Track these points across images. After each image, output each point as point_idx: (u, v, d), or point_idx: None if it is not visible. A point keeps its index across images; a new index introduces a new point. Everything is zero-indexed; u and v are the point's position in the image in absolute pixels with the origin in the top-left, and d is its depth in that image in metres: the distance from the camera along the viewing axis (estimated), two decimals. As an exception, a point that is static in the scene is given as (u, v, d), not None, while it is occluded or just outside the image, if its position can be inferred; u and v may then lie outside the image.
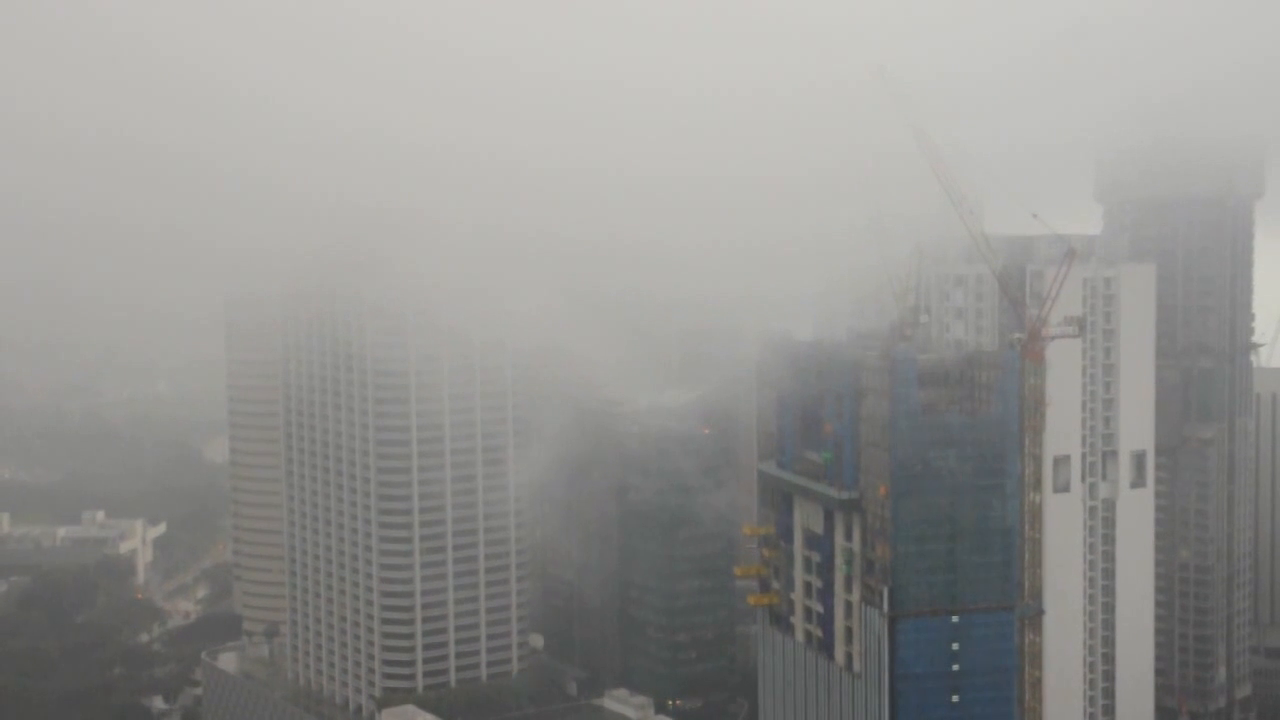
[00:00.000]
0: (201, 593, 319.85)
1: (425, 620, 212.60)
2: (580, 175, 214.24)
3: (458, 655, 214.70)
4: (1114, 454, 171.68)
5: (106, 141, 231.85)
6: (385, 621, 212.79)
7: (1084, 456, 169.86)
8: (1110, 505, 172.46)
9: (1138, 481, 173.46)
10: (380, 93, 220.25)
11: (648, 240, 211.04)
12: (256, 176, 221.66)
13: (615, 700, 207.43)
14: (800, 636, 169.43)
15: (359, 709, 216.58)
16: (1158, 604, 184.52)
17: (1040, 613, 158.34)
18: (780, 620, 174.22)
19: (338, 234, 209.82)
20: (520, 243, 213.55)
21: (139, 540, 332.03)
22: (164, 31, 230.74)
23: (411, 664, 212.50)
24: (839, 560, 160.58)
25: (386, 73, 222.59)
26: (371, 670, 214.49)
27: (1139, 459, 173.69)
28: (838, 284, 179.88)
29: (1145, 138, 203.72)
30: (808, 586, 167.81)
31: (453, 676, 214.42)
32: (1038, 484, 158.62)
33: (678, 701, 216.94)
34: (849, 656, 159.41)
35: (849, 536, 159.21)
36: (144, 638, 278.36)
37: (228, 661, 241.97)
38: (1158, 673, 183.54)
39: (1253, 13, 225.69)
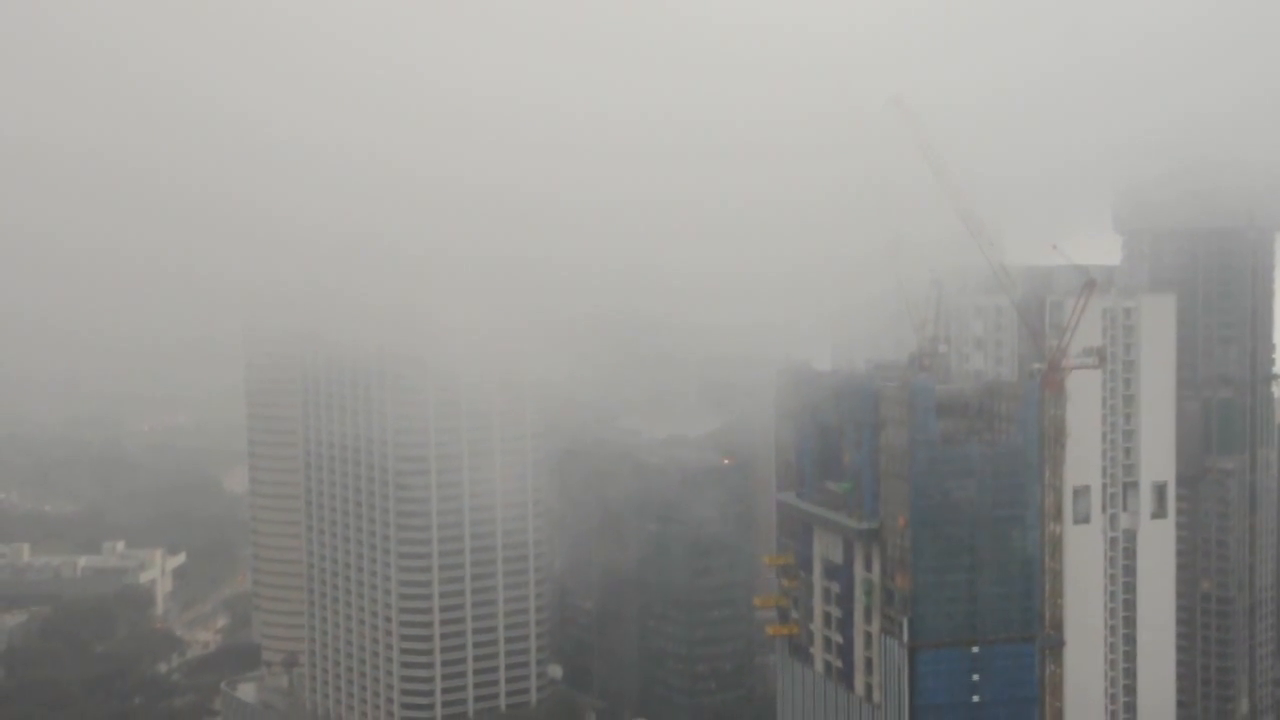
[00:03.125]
0: (221, 622, 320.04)
1: (444, 650, 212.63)
2: (601, 203, 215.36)
3: (476, 685, 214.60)
4: (1135, 485, 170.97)
5: (124, 177, 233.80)
6: (404, 651, 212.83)
7: (1104, 487, 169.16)
8: (1131, 536, 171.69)
9: (1159, 512, 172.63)
10: (390, 129, 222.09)
11: (664, 267, 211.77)
12: (265, 208, 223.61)
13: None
14: (820, 667, 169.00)
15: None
16: (1179, 635, 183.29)
17: (1061, 644, 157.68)
18: (800, 651, 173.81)
19: (347, 269, 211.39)
20: (532, 272, 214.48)
21: (158, 570, 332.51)
22: (180, 69, 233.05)
23: (430, 694, 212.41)
24: (859, 591, 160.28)
25: (394, 108, 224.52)
26: (390, 700, 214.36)
27: (1160, 490, 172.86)
28: (856, 310, 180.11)
29: (1164, 167, 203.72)
30: (827, 617, 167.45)
31: (471, 707, 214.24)
32: (1058, 515, 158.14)
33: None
34: (869, 687, 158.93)
35: (868, 567, 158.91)
36: (163, 668, 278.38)
37: (247, 692, 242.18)
38: (1179, 704, 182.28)
39: (1271, 41, 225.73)
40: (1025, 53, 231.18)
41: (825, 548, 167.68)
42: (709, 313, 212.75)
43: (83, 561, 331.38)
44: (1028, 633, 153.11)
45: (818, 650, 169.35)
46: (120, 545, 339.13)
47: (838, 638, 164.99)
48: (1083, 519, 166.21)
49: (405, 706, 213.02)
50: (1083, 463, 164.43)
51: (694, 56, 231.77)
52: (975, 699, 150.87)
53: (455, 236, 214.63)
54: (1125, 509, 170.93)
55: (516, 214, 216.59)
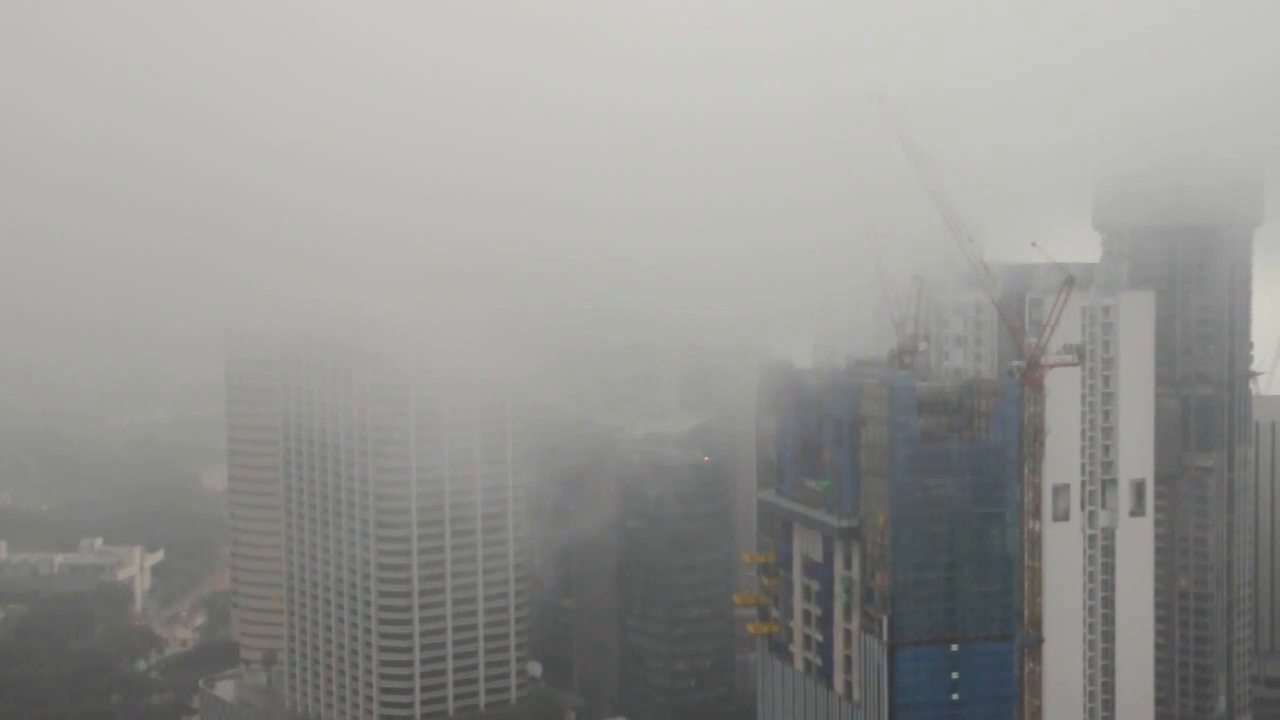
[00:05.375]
0: (199, 620, 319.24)
1: (423, 648, 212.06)
2: (579, 196, 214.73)
3: (456, 683, 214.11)
4: (1113, 482, 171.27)
5: (107, 166, 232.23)
6: (383, 649, 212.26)
7: (1083, 485, 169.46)
8: (1110, 534, 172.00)
9: (1137, 510, 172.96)
10: (376, 122, 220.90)
11: (641, 260, 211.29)
12: (246, 203, 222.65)
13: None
14: (799, 665, 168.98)
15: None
16: (1157, 633, 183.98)
17: (1040, 641, 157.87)
18: (779, 648, 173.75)
19: (327, 265, 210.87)
20: (508, 266, 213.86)
21: (137, 567, 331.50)
22: (167, 60, 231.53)
23: (410, 692, 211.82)
24: (838, 588, 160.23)
25: (388, 104, 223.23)
26: (370, 698, 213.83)
27: (1138, 487, 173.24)
28: (836, 304, 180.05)
29: (1143, 163, 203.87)
30: (807, 615, 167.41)
31: (451, 704, 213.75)
32: (1037, 512, 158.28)
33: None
34: (848, 685, 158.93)
35: (848, 565, 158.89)
36: (141, 665, 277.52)
37: (225, 690, 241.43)
38: (1158, 702, 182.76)
39: (1251, 37, 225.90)
40: (1006, 48, 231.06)
41: (805, 545, 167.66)
42: (687, 306, 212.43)
43: (60, 559, 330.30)
44: (1007, 631, 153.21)
45: (797, 648, 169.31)
46: (98, 542, 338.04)
47: (817, 635, 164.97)
48: (1062, 517, 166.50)
49: (385, 705, 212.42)
50: (1062, 460, 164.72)
51: (671, 48, 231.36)
52: (954, 697, 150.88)
53: (430, 231, 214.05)
54: (1104, 506, 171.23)
55: (494, 207, 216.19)
